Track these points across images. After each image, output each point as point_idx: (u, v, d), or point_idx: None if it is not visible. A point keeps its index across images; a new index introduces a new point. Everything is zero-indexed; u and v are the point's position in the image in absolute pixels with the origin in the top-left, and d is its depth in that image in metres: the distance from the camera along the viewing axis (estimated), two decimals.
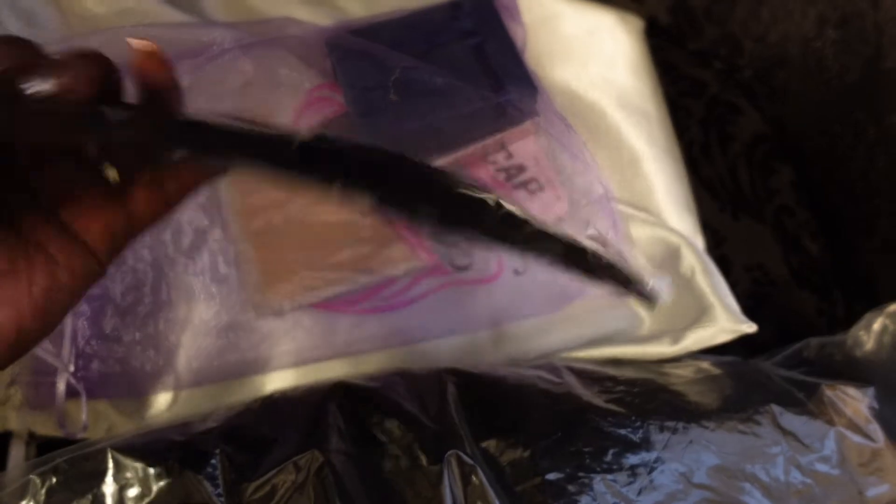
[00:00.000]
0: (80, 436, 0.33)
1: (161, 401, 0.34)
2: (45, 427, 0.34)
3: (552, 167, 0.41)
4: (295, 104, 0.41)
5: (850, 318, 0.39)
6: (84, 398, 0.33)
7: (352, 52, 0.39)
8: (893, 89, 0.37)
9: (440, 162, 0.39)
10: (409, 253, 0.38)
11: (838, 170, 0.42)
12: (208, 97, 0.39)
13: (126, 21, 0.38)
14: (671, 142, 0.43)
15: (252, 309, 0.36)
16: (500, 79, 0.39)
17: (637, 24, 0.45)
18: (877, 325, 0.37)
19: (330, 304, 0.37)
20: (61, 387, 0.33)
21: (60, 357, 0.33)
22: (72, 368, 0.34)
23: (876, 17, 0.37)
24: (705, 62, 0.48)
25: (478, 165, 0.40)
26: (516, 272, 0.39)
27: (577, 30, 0.45)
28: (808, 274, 0.44)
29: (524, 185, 0.40)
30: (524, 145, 0.41)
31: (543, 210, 0.40)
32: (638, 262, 0.38)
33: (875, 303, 0.39)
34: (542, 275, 0.39)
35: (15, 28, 0.36)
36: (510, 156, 0.41)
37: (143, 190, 0.24)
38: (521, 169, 0.41)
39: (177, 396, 0.35)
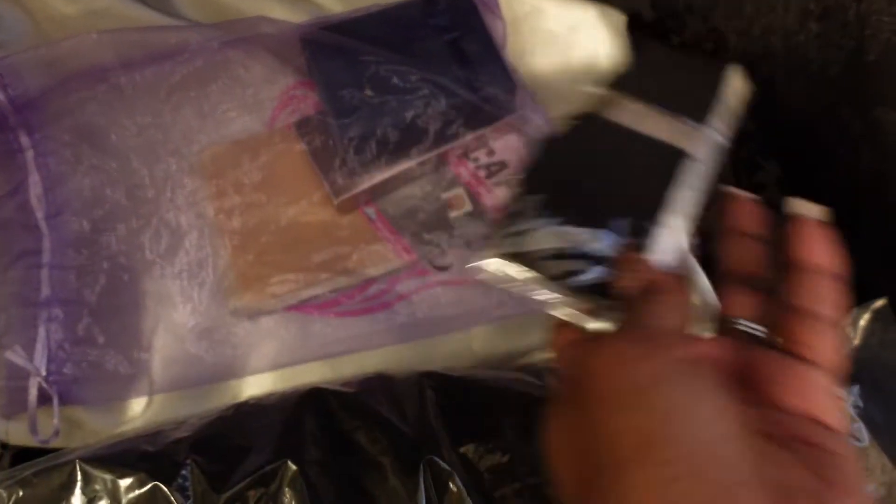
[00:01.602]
0: (52, 442, 0.32)
1: (136, 406, 0.34)
2: (18, 436, 0.33)
3: None
4: (272, 102, 0.40)
5: None
6: (56, 403, 0.33)
7: (326, 48, 0.38)
8: (876, 83, 0.36)
9: (419, 159, 0.38)
10: (388, 253, 0.38)
11: (824, 165, 0.42)
12: (188, 99, 0.38)
13: (97, 22, 0.37)
14: None
15: (228, 312, 0.36)
16: (477, 75, 0.38)
17: (619, 19, 0.45)
18: (863, 322, 0.37)
19: (308, 306, 0.36)
20: (33, 392, 0.32)
21: (32, 362, 0.33)
22: (44, 373, 0.33)
23: (858, 9, 0.36)
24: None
25: (458, 163, 0.40)
26: None
27: (558, 26, 0.45)
28: None
29: (506, 182, 0.40)
30: (505, 142, 0.41)
31: None
32: None
33: (861, 299, 0.38)
34: None
35: None
36: (492, 152, 0.41)
37: None
38: (502, 165, 0.40)
39: (151, 401, 0.34)
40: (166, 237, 0.37)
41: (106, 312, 0.35)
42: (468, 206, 0.39)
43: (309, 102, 0.40)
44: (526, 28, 0.44)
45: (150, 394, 0.34)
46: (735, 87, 0.34)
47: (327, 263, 0.37)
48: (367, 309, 0.37)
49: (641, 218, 0.26)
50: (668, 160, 0.29)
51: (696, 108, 0.32)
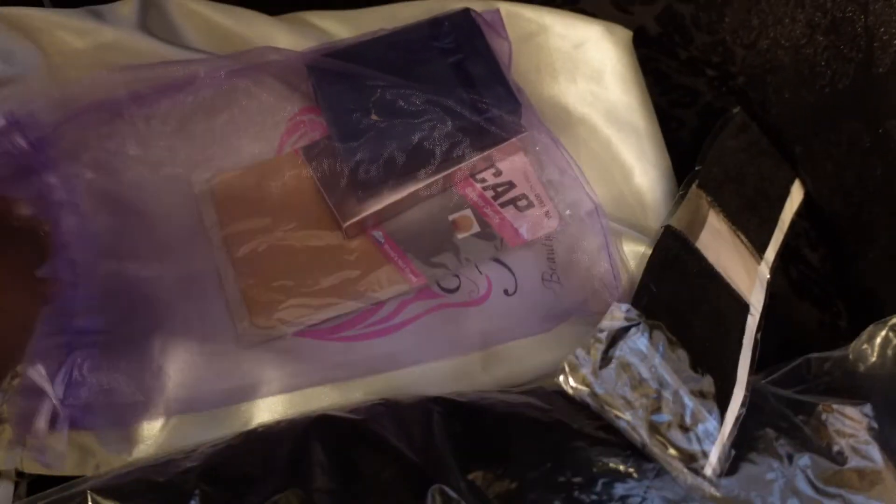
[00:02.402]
0: (56, 468, 0.32)
1: (148, 433, 0.34)
2: (33, 464, 0.33)
3: (541, 183, 0.40)
4: (279, 129, 0.41)
5: (853, 329, 0.38)
6: (66, 427, 0.33)
7: (331, 74, 0.38)
8: (886, 95, 0.36)
9: (426, 181, 0.38)
10: (396, 276, 0.38)
11: (835, 178, 0.41)
12: (198, 130, 0.39)
13: (105, 55, 0.37)
14: (662, 156, 0.42)
15: (238, 337, 0.36)
16: (481, 96, 0.38)
17: (625, 34, 0.45)
18: (879, 339, 0.36)
19: (315, 331, 0.36)
20: (44, 414, 0.33)
21: (53, 383, 0.33)
22: (60, 396, 0.34)
23: (866, 21, 0.36)
24: (697, 70, 0.47)
25: (465, 184, 0.40)
26: (506, 293, 0.39)
27: (564, 43, 0.45)
28: (808, 285, 0.43)
29: (513, 202, 0.40)
30: (512, 162, 0.41)
31: (534, 227, 0.39)
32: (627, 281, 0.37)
33: (878, 314, 0.38)
34: (534, 295, 0.39)
35: None
36: (499, 173, 0.41)
37: None
38: (509, 186, 0.40)
39: (164, 426, 0.35)
40: (180, 266, 0.37)
41: (124, 340, 0.35)
42: (476, 228, 0.39)
43: (316, 128, 0.40)
44: (531, 47, 0.44)
45: (164, 418, 0.35)
46: (794, 200, 0.39)
47: (336, 288, 0.37)
48: (375, 333, 0.37)
49: (719, 379, 0.29)
50: (739, 316, 0.35)
51: (762, 226, 0.38)
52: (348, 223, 0.37)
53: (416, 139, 0.37)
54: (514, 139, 0.40)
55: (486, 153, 0.39)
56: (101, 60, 0.37)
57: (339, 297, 0.37)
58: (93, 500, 0.27)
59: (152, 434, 0.34)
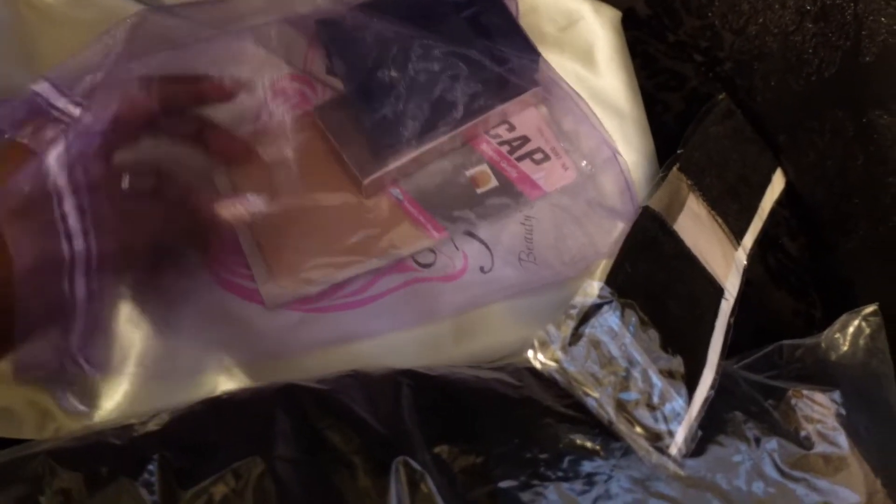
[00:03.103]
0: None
1: (109, 396, 0.33)
2: (2, 395, 0.32)
3: (556, 137, 0.40)
4: (262, 92, 0.40)
5: (827, 320, 0.38)
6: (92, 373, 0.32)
7: (344, 30, 0.37)
8: (872, 84, 0.36)
9: (448, 135, 0.38)
10: (417, 232, 0.37)
11: (818, 167, 0.41)
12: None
13: (79, 12, 0.36)
14: (645, 139, 0.42)
15: (265, 300, 0.35)
16: (499, 47, 0.38)
17: (614, 15, 0.44)
18: (852, 328, 0.37)
19: (283, 303, 0.36)
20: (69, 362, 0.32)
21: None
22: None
23: (855, 9, 0.36)
24: (685, 55, 0.47)
25: (480, 140, 0.40)
26: (482, 270, 0.38)
27: (552, 23, 0.44)
28: (785, 274, 0.43)
29: (529, 155, 0.40)
30: (526, 117, 0.41)
31: (551, 179, 0.39)
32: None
33: (853, 305, 0.38)
34: (509, 273, 0.38)
35: None
36: (512, 128, 0.41)
37: None
38: (524, 140, 0.41)
39: (128, 390, 0.34)
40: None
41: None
42: (494, 182, 0.39)
43: (303, 96, 0.40)
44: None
45: (129, 384, 0.34)
46: (776, 188, 0.39)
47: (358, 246, 0.37)
48: (346, 305, 0.36)
49: (689, 361, 0.29)
50: (713, 300, 0.32)
51: (742, 213, 0.36)
52: (368, 180, 0.37)
53: (436, 93, 0.37)
54: (528, 94, 0.40)
55: (501, 107, 0.39)
56: (73, 17, 0.36)
57: (362, 255, 0.36)
58: (49, 464, 0.26)
59: (114, 398, 0.34)
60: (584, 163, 0.40)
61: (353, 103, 0.37)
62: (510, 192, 0.39)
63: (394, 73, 0.37)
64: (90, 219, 0.26)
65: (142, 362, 0.35)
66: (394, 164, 0.37)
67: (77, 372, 0.31)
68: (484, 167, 0.39)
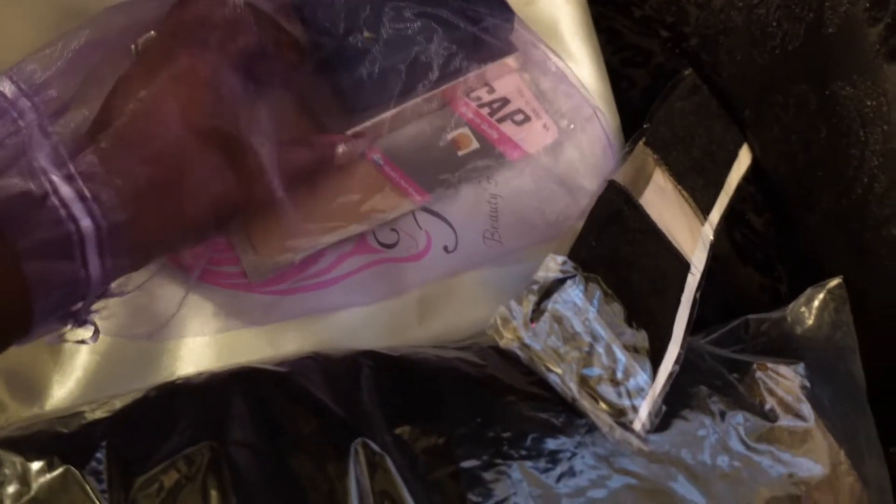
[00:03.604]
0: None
1: (62, 388, 0.32)
2: None
3: (535, 97, 0.40)
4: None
5: (794, 294, 0.38)
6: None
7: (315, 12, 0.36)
8: (834, 56, 0.36)
9: (418, 99, 0.37)
10: (399, 196, 0.37)
11: (782, 141, 0.41)
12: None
13: None
14: (611, 115, 0.42)
15: (248, 271, 0.34)
16: (473, 7, 0.37)
17: None
18: (817, 301, 0.37)
19: (242, 284, 0.35)
20: None
21: None
22: None
23: None
24: (651, 30, 0.46)
25: (459, 102, 0.39)
26: (446, 249, 0.38)
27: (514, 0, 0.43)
28: (751, 249, 0.43)
29: (509, 116, 0.40)
30: (505, 78, 0.40)
31: (532, 140, 0.39)
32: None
33: (818, 279, 0.38)
34: (473, 253, 0.38)
35: None
36: (492, 90, 0.40)
37: None
38: (504, 101, 0.40)
39: (81, 378, 0.33)
40: None
41: None
42: (475, 144, 0.39)
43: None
44: None
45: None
46: (742, 163, 0.39)
47: (339, 212, 0.36)
48: (309, 287, 0.36)
49: (654, 336, 0.29)
50: (679, 274, 0.32)
51: (708, 188, 0.36)
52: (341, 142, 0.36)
53: (411, 54, 0.36)
54: (508, 58, 0.39)
55: (480, 69, 0.39)
56: None
57: (344, 221, 0.35)
58: None
59: (66, 384, 0.33)
60: (564, 122, 0.39)
61: (327, 66, 0.36)
62: (491, 153, 0.39)
63: (367, 35, 0.36)
64: (94, 201, 0.25)
65: (95, 349, 0.34)
66: (369, 123, 0.36)
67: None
68: (465, 129, 0.39)
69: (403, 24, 0.37)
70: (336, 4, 0.36)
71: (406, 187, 0.37)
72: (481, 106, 0.40)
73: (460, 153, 0.38)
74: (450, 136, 0.39)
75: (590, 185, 0.38)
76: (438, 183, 0.37)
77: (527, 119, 0.40)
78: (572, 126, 0.40)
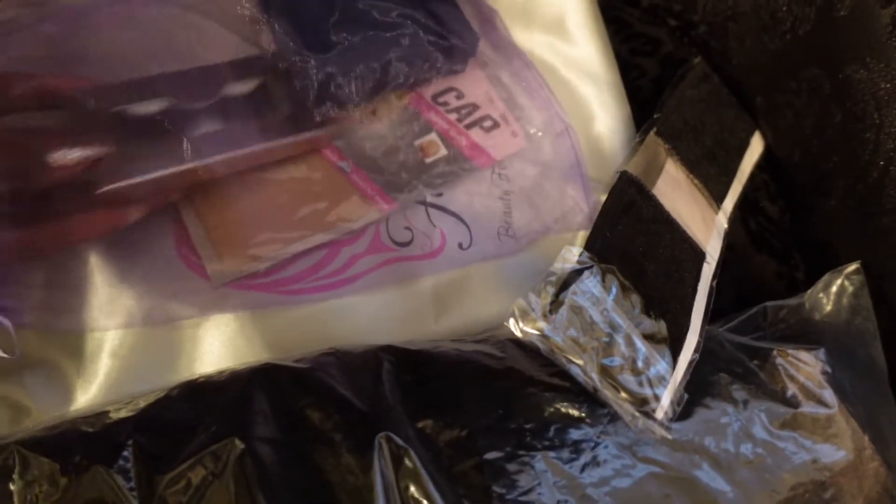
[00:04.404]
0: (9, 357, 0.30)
1: (84, 391, 0.33)
2: None
3: (507, 105, 0.40)
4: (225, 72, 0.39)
5: (810, 281, 0.38)
6: (10, 324, 0.31)
7: (283, 13, 0.36)
8: (847, 39, 0.35)
9: (384, 102, 0.37)
10: (366, 204, 0.36)
11: (795, 127, 0.41)
12: (136, 62, 0.36)
13: None
14: (621, 105, 0.42)
15: (211, 278, 0.34)
16: (441, 21, 0.37)
17: None
18: (835, 287, 0.36)
19: (259, 284, 0.35)
20: None
21: None
22: None
23: None
24: (659, 19, 0.46)
25: (427, 108, 0.39)
26: (461, 246, 0.38)
27: None
28: (766, 237, 0.43)
29: (478, 122, 0.39)
30: (474, 84, 0.40)
31: (500, 146, 0.39)
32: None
33: (835, 264, 0.38)
34: (488, 249, 0.38)
35: None
36: (461, 95, 0.40)
37: None
38: (473, 107, 0.40)
39: (103, 383, 0.33)
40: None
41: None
42: (443, 151, 0.38)
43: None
44: None
45: (106, 328, 0.33)
46: (754, 151, 0.39)
47: (306, 220, 0.36)
48: (324, 287, 0.36)
49: (672, 325, 0.29)
50: (695, 263, 0.32)
51: (721, 177, 0.36)
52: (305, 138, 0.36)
53: (379, 58, 0.36)
54: (474, 61, 0.39)
55: (448, 75, 0.39)
56: None
57: (310, 230, 0.35)
58: (19, 454, 0.25)
59: (90, 389, 0.33)
60: (532, 129, 0.39)
61: (300, 60, 0.36)
62: (459, 160, 0.38)
63: (333, 36, 0.36)
64: None
65: (116, 353, 0.34)
66: (332, 126, 0.36)
67: None
68: (432, 136, 0.39)
69: (371, 30, 0.36)
70: (303, 11, 0.36)
71: (372, 195, 0.37)
72: (450, 112, 0.39)
73: (428, 160, 0.38)
74: (418, 142, 0.38)
75: (555, 197, 0.38)
76: (405, 190, 0.37)
77: (496, 125, 0.39)
78: (540, 134, 0.39)
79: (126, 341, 0.34)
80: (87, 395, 0.33)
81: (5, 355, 0.30)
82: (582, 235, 0.34)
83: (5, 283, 0.32)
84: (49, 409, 0.33)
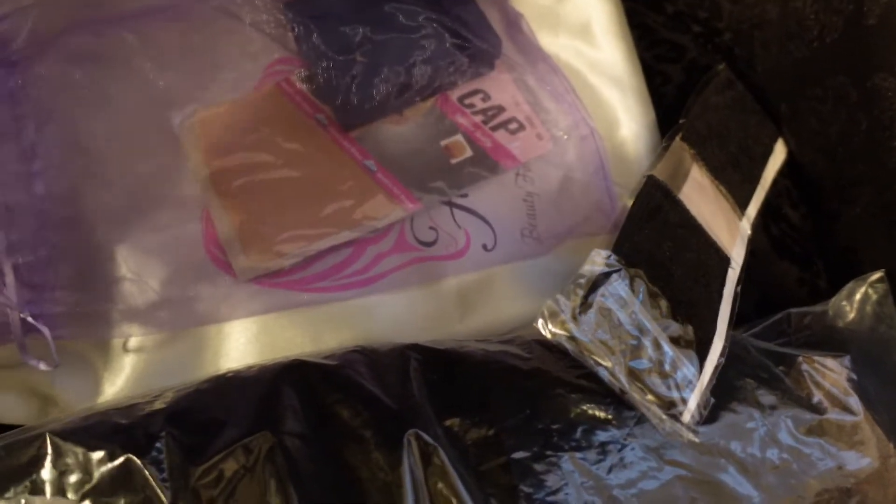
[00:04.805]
0: (49, 369, 0.31)
1: (111, 383, 0.33)
2: (2, 381, 0.32)
3: (530, 106, 0.40)
4: (256, 75, 0.39)
5: (832, 288, 0.38)
6: (49, 333, 0.31)
7: (310, 17, 0.37)
8: (876, 48, 0.35)
9: (413, 105, 0.38)
10: (391, 203, 0.37)
11: (820, 135, 0.41)
12: (173, 66, 0.37)
13: None
14: (646, 110, 0.42)
15: (237, 274, 0.35)
16: (466, 25, 0.38)
17: None
18: (859, 295, 0.36)
19: (286, 282, 0.35)
20: (15, 317, 0.31)
21: (4, 293, 0.31)
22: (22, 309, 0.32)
23: None
24: (684, 26, 0.46)
25: (454, 109, 0.39)
26: (485, 247, 0.38)
27: None
28: (788, 244, 0.43)
29: (504, 125, 0.40)
30: (500, 87, 0.40)
31: (527, 148, 0.39)
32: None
33: (858, 272, 0.38)
34: (512, 250, 0.38)
35: None
36: (487, 97, 0.40)
37: None
38: (499, 109, 0.40)
39: (129, 367, 0.33)
40: (150, 197, 0.35)
41: (83, 261, 0.34)
42: (469, 152, 0.39)
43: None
44: (514, 0, 0.43)
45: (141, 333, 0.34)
46: (777, 158, 0.39)
47: (331, 218, 0.36)
48: (349, 285, 0.36)
49: (699, 329, 0.29)
50: (720, 268, 0.32)
51: (744, 183, 0.39)
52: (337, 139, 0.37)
53: (406, 62, 0.36)
54: (500, 65, 0.39)
55: (475, 78, 0.39)
56: None
57: (336, 227, 0.36)
58: (52, 443, 0.26)
59: (116, 382, 0.33)
60: (558, 132, 0.39)
61: (327, 62, 0.36)
62: (484, 161, 0.39)
63: (359, 59, 0.36)
64: None
65: (142, 347, 0.34)
66: (362, 128, 0.37)
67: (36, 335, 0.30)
68: (458, 137, 0.39)
69: (396, 33, 0.37)
70: (331, 24, 0.37)
71: (398, 194, 0.37)
72: (476, 113, 0.39)
73: (453, 161, 0.38)
74: (444, 143, 0.39)
75: (578, 201, 0.38)
76: (430, 191, 0.37)
77: (521, 128, 0.39)
78: (567, 137, 0.39)
79: (153, 336, 0.34)
80: (113, 387, 0.33)
81: (47, 367, 0.30)
82: (605, 239, 0.35)
83: (42, 290, 0.32)
84: (76, 401, 0.33)
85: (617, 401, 0.29)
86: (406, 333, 0.35)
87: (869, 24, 0.35)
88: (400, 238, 0.37)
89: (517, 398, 0.29)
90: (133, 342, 0.34)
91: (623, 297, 0.30)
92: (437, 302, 0.36)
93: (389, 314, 0.36)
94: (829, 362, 0.32)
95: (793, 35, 0.40)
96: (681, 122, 0.39)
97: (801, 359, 0.32)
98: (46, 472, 0.25)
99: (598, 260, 0.30)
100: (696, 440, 0.28)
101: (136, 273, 0.34)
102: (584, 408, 0.29)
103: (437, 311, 0.36)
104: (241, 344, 0.35)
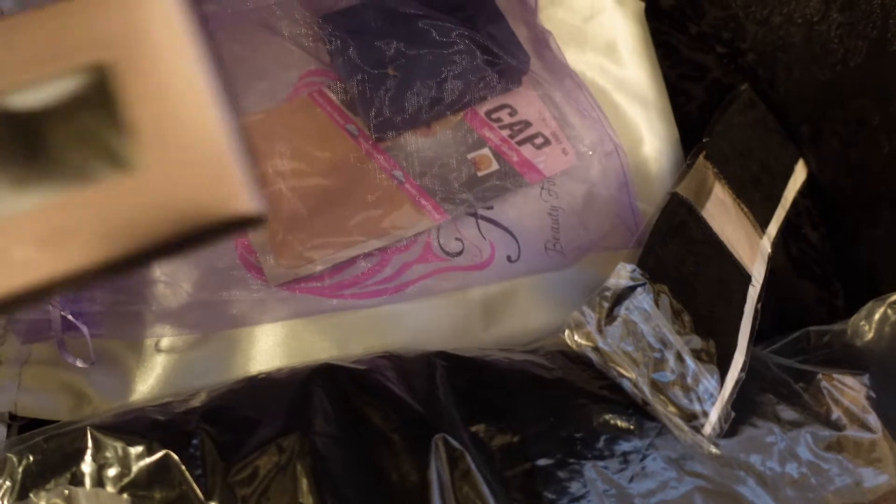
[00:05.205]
0: (85, 366, 0.32)
1: (144, 382, 0.34)
2: (27, 407, 0.33)
3: (556, 121, 0.41)
4: (289, 86, 0.40)
5: (850, 308, 0.38)
6: (87, 332, 0.32)
7: (345, 31, 0.38)
8: None
9: (443, 119, 0.39)
10: (419, 214, 0.38)
11: (841, 156, 0.41)
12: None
13: None
14: (670, 128, 0.43)
15: (268, 278, 0.36)
16: (497, 41, 0.39)
17: (636, 7, 0.45)
18: (878, 315, 0.37)
19: (316, 288, 0.36)
20: (56, 315, 0.32)
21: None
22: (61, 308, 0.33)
23: None
24: (707, 46, 0.47)
25: (481, 123, 0.41)
26: (509, 259, 0.39)
27: (574, 16, 0.45)
28: (808, 263, 0.43)
29: (530, 139, 0.41)
30: (527, 102, 0.41)
31: (550, 163, 0.40)
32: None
33: (876, 293, 0.38)
34: (536, 263, 0.39)
35: None
36: (514, 112, 0.41)
37: None
38: (526, 124, 0.41)
39: (161, 375, 0.34)
40: None
41: None
42: (495, 166, 0.40)
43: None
44: (542, 19, 0.44)
45: (167, 331, 0.35)
46: (798, 178, 0.40)
47: (360, 227, 0.37)
48: (376, 293, 0.37)
49: (720, 344, 0.30)
50: (741, 285, 0.35)
51: (765, 202, 0.40)
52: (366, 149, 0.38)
53: (436, 78, 0.38)
54: (528, 81, 0.41)
55: (502, 94, 0.40)
56: None
57: (364, 236, 0.37)
58: (92, 437, 0.27)
59: (148, 380, 0.34)
60: (583, 148, 0.40)
61: (360, 81, 0.37)
62: (510, 175, 0.40)
63: (392, 73, 0.38)
64: None
65: (174, 348, 0.35)
66: (392, 140, 0.38)
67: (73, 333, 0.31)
68: (485, 150, 0.40)
69: (429, 48, 0.38)
70: (362, 39, 0.38)
71: (425, 205, 0.38)
72: (502, 128, 0.41)
73: (480, 173, 0.39)
74: (471, 156, 0.40)
75: (603, 216, 0.39)
76: (456, 203, 0.38)
77: (546, 143, 0.40)
78: (591, 153, 0.40)
79: (184, 337, 0.35)
80: (145, 385, 0.34)
81: (84, 364, 0.31)
82: (627, 254, 0.35)
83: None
84: (109, 399, 0.34)
85: (639, 412, 0.30)
86: (431, 341, 0.36)
87: (893, 49, 0.36)
88: (426, 248, 0.38)
89: (542, 406, 0.30)
90: (165, 342, 0.35)
91: (647, 311, 0.30)
92: (461, 311, 0.37)
93: (415, 322, 0.37)
94: (848, 380, 0.33)
95: (816, 58, 0.41)
96: (704, 140, 0.40)
97: (820, 376, 0.33)
98: (87, 465, 0.26)
99: (623, 273, 0.31)
100: (717, 452, 0.29)
101: (170, 276, 0.35)
102: (607, 418, 0.30)
103: (461, 320, 0.37)
104: (269, 347, 0.36)
